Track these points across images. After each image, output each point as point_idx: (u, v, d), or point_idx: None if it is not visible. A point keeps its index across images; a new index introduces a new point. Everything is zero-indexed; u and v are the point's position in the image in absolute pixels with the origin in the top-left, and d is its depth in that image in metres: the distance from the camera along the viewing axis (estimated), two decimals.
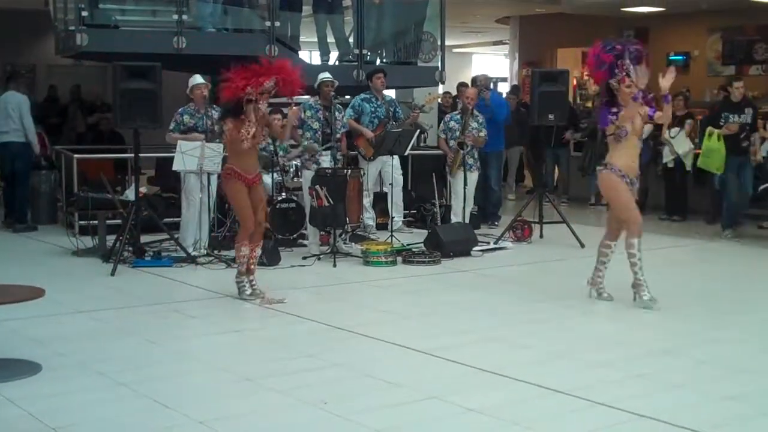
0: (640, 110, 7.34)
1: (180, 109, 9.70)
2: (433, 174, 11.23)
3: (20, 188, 11.79)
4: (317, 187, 9.42)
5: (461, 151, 10.59)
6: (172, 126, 9.62)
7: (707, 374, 5.79)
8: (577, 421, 4.90)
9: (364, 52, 12.70)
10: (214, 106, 9.93)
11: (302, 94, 7.95)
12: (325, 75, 10.20)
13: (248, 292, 7.66)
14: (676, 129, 12.76)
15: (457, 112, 11.07)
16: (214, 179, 9.66)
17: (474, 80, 12.84)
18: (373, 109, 11.00)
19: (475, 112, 10.89)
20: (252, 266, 7.72)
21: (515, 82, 19.75)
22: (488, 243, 10.46)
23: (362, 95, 11.15)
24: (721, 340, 6.62)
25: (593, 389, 5.34)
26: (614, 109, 7.37)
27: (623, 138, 7.33)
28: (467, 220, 10.66)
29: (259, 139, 7.79)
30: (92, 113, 16.86)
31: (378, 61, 13.14)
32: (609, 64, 7.36)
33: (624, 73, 7.28)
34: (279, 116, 10.90)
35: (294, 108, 8.65)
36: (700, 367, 5.95)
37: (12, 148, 11.63)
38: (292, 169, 10.69)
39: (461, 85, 14.25)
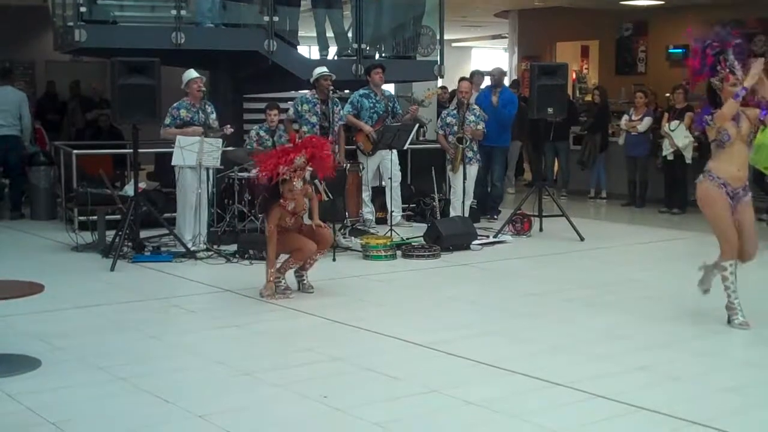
0: (747, 112, 6.55)
1: (175, 104, 9.67)
2: (432, 168, 11.23)
3: (15, 179, 12.52)
4: (316, 181, 9.40)
5: (460, 146, 10.59)
6: (167, 121, 9.59)
7: (706, 366, 5.79)
8: (576, 413, 4.90)
9: (363, 46, 12.70)
10: (207, 101, 9.92)
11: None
12: (322, 69, 10.20)
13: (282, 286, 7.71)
14: (676, 122, 12.76)
15: (453, 107, 11.05)
16: (212, 174, 9.66)
17: (472, 74, 12.84)
18: (371, 105, 10.98)
19: (472, 106, 10.88)
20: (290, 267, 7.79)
21: (515, 76, 19.73)
22: (488, 236, 10.46)
23: (361, 91, 11.13)
24: (721, 332, 6.62)
25: (593, 382, 5.35)
26: (714, 110, 6.61)
27: (726, 143, 6.49)
28: (467, 214, 10.66)
29: (301, 210, 7.73)
30: (91, 109, 16.85)
31: (377, 56, 13.13)
32: (710, 64, 6.65)
33: (727, 70, 6.55)
34: (276, 111, 10.94)
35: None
36: (700, 359, 5.96)
37: (6, 141, 12.18)
38: None
39: (462, 79, 14.25)
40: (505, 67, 22.16)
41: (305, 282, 7.86)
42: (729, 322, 6.69)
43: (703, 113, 6.70)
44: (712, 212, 6.67)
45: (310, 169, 7.63)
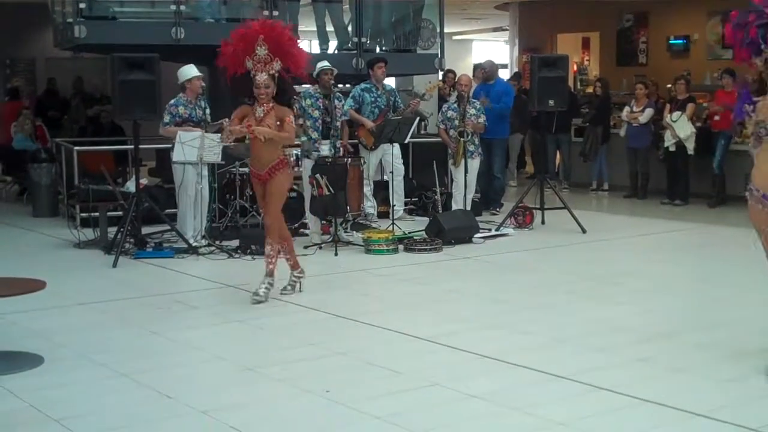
0: None
1: (172, 101, 9.62)
2: (434, 161, 11.22)
3: None
4: (318, 176, 9.41)
5: (462, 140, 10.57)
6: (167, 119, 9.54)
7: (708, 358, 5.79)
8: (578, 405, 4.91)
9: (363, 40, 12.68)
10: (203, 97, 9.91)
11: (302, 73, 7.39)
12: (324, 63, 10.18)
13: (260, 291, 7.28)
14: (678, 113, 12.73)
15: (453, 101, 11.04)
16: (213, 170, 9.66)
17: (479, 67, 12.84)
18: (373, 99, 10.96)
19: (472, 99, 10.87)
20: (270, 266, 7.28)
21: (516, 69, 19.70)
22: (490, 230, 10.45)
23: (362, 85, 11.11)
24: (722, 324, 6.62)
25: (594, 374, 5.35)
26: (757, 99, 5.42)
27: (764, 139, 5.31)
28: (469, 207, 10.65)
29: (264, 133, 7.04)
30: (92, 106, 16.87)
31: (377, 49, 13.12)
32: (753, 37, 5.38)
33: None
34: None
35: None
36: (701, 350, 5.95)
37: None
38: (292, 159, 10.67)
39: (448, 72, 14.24)
40: (506, 60, 22.19)
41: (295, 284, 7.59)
42: None
43: (743, 101, 5.48)
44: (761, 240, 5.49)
45: (278, 64, 7.03)
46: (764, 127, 5.19)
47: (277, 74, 7.07)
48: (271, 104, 7.11)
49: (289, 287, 7.54)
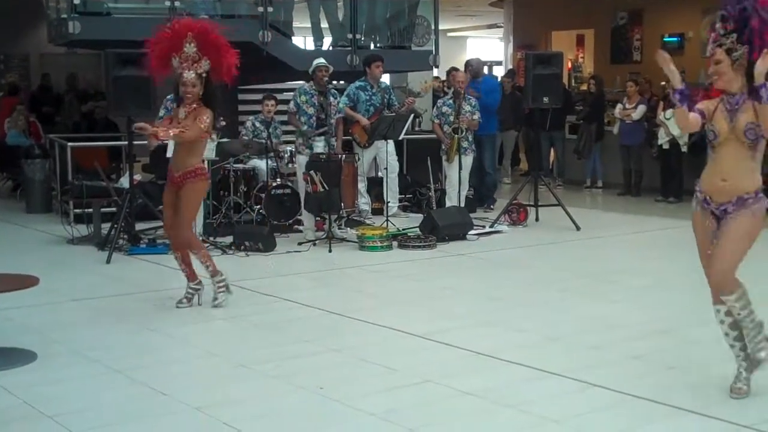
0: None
1: (169, 96, 9.61)
2: (428, 158, 11.22)
3: None
4: (312, 172, 9.41)
5: (456, 136, 10.57)
6: (162, 113, 9.54)
7: (702, 355, 5.80)
8: (572, 402, 4.91)
9: (358, 36, 12.68)
10: None
11: (231, 79, 7.09)
12: (320, 60, 10.16)
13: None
14: (671, 110, 12.74)
15: (449, 96, 11.05)
16: (207, 166, 9.64)
17: (467, 64, 12.83)
18: (368, 98, 10.93)
19: (467, 96, 10.87)
20: (187, 273, 7.04)
21: (510, 66, 19.71)
22: (484, 227, 10.46)
23: (357, 83, 11.08)
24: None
25: (589, 371, 5.35)
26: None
27: (713, 143, 4.92)
28: (463, 204, 10.65)
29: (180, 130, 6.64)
30: (86, 102, 16.84)
31: (372, 46, 13.11)
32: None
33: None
34: (272, 102, 10.92)
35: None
36: (696, 347, 5.96)
37: None
38: (286, 155, 10.67)
39: (453, 70, 14.24)
40: (501, 57, 22.21)
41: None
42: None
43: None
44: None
45: (207, 63, 6.73)
46: (712, 131, 4.86)
47: (205, 75, 6.76)
48: (194, 105, 6.72)
49: (185, 300, 7.05)
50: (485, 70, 14.60)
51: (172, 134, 6.66)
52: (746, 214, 4.76)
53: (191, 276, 7.09)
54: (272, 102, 10.91)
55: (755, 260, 5.11)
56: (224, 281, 7.06)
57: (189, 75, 6.67)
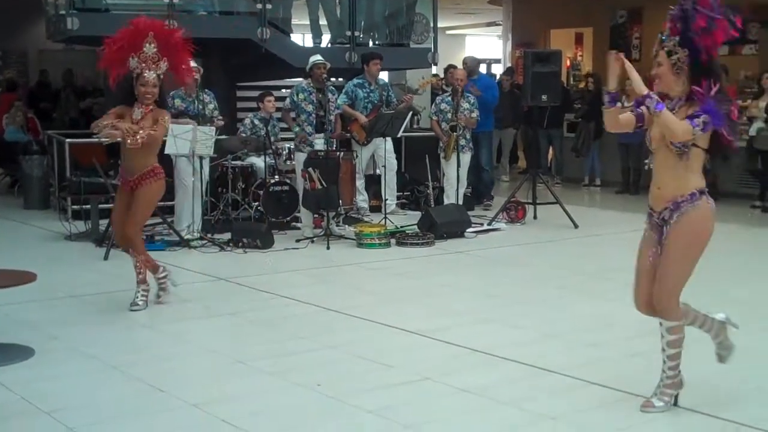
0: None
1: (171, 93, 9.64)
2: (427, 156, 11.22)
3: None
4: (310, 169, 9.40)
5: (454, 134, 10.57)
6: None
7: (700, 353, 5.79)
8: (570, 400, 4.91)
9: (357, 34, 12.67)
10: (207, 90, 9.92)
11: (186, 80, 7.18)
12: (317, 57, 10.16)
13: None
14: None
15: (447, 93, 11.04)
16: (206, 163, 9.65)
17: (463, 63, 12.84)
18: (365, 95, 10.93)
19: (466, 93, 10.87)
20: (141, 275, 6.91)
21: (509, 64, 19.70)
22: (482, 224, 10.46)
23: (355, 81, 11.08)
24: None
25: (586, 369, 5.35)
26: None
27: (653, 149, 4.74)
28: (461, 202, 10.65)
29: (137, 138, 6.50)
30: (84, 98, 16.81)
31: (370, 43, 13.10)
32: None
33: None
34: (272, 99, 10.91)
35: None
36: (693, 345, 5.94)
37: None
38: (284, 152, 10.67)
39: (450, 67, 14.24)
40: (500, 55, 22.19)
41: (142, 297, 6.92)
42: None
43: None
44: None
45: (165, 65, 6.67)
46: (648, 138, 4.70)
47: (161, 76, 6.70)
48: (151, 107, 6.65)
49: (160, 293, 7.03)
50: (483, 68, 14.58)
51: (146, 135, 6.56)
52: (683, 221, 4.61)
53: (154, 269, 7.02)
54: (272, 98, 10.91)
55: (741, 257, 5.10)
56: (147, 291, 6.94)
57: (151, 75, 6.59)
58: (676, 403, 4.77)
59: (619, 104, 4.68)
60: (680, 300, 4.76)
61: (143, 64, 6.57)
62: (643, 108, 4.61)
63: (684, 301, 4.78)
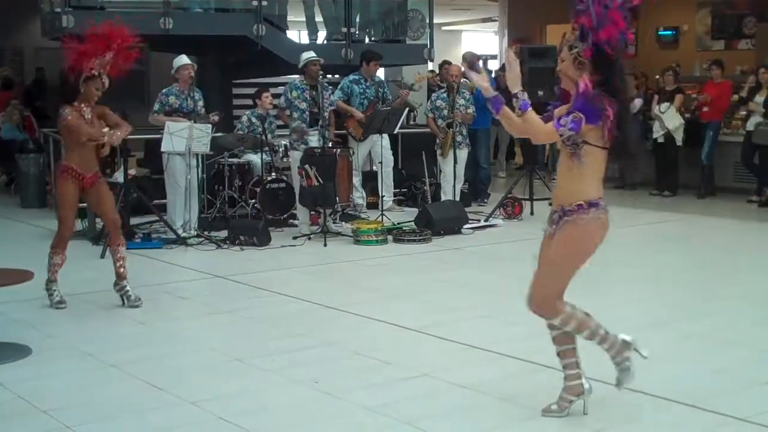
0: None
1: (165, 90, 9.64)
2: (423, 152, 11.21)
3: None
4: (307, 166, 9.40)
5: (450, 131, 10.57)
6: (156, 107, 9.56)
7: (695, 348, 5.81)
8: None
9: (353, 30, 12.66)
10: (196, 88, 9.88)
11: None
12: (310, 54, 10.14)
13: (56, 300, 6.87)
14: (666, 104, 12.76)
15: (443, 90, 11.03)
16: (201, 160, 9.64)
17: (463, 57, 12.83)
18: (362, 91, 10.94)
19: (461, 89, 10.87)
20: (122, 270, 6.90)
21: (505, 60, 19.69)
22: (479, 221, 10.47)
23: (351, 77, 11.08)
24: (710, 314, 6.64)
25: (585, 365, 5.34)
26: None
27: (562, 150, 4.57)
28: (458, 198, 10.66)
29: (99, 137, 6.75)
30: None
31: (366, 40, 13.09)
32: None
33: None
34: (268, 94, 10.90)
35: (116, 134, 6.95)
36: (690, 340, 5.97)
37: None
38: (281, 149, 10.66)
39: (444, 63, 14.22)
40: (495, 50, 22.18)
41: (129, 293, 6.88)
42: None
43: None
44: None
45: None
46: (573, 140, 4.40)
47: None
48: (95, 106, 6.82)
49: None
50: (480, 63, 14.55)
51: (122, 135, 6.90)
52: (566, 232, 4.46)
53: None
54: (269, 95, 10.90)
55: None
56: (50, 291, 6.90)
57: (106, 80, 6.72)
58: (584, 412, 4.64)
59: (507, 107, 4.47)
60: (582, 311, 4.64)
61: (101, 69, 6.66)
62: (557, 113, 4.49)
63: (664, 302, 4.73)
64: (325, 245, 9.15)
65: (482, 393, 4.94)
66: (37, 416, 4.64)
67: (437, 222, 9.72)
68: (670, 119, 12.68)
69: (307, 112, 10.00)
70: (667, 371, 5.30)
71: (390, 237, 9.44)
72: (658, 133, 12.81)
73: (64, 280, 7.63)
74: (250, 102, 11.58)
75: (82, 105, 6.69)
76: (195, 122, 9.39)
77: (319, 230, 9.49)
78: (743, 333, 6.16)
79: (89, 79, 6.62)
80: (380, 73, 12.88)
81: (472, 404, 4.81)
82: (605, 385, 5.01)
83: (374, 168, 11.12)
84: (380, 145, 10.62)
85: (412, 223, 9.89)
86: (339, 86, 11.06)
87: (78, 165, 6.77)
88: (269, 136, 10.69)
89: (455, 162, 10.51)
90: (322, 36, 13.18)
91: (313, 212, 9.83)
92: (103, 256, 8.59)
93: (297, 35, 15.44)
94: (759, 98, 12.09)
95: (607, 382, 5.04)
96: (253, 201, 10.25)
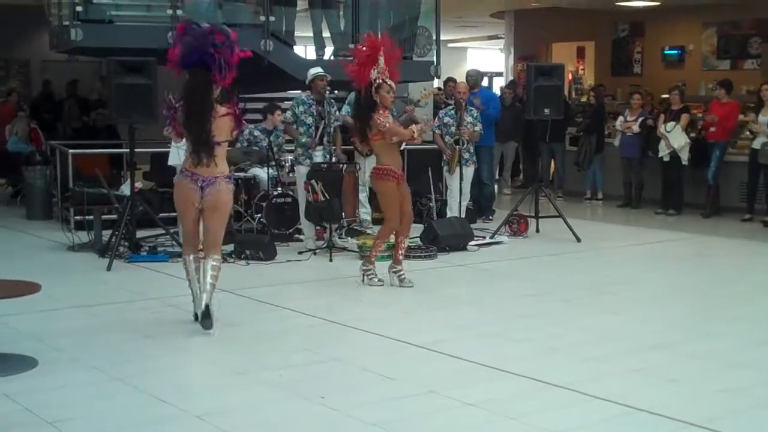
0: None
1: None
2: (429, 168, 11.22)
3: None
4: (313, 181, 9.41)
5: (457, 147, 10.58)
6: (288, 115, 9.64)
7: (703, 368, 5.80)
8: (573, 414, 4.90)
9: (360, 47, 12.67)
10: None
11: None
12: (317, 69, 10.16)
13: (376, 279, 8.03)
14: (672, 123, 12.77)
15: (451, 107, 11.05)
16: None
17: (466, 76, 12.86)
18: None
19: (469, 107, 10.88)
20: (400, 255, 8.05)
21: (511, 77, 19.73)
22: (484, 237, 10.46)
23: None
24: (716, 334, 6.63)
25: (590, 383, 5.35)
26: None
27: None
28: (463, 215, 10.66)
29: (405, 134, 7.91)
30: (87, 109, 16.83)
31: None
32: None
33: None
34: (278, 112, 10.92)
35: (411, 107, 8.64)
36: (696, 360, 5.96)
37: None
38: (287, 164, 10.67)
39: (449, 80, 14.25)
40: (501, 68, 22.23)
41: (403, 275, 8.03)
42: None
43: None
44: None
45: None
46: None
47: None
48: None
49: None
50: (485, 81, 14.59)
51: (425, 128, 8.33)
52: None
53: None
54: (279, 111, 10.92)
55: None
56: None
57: (392, 82, 7.78)
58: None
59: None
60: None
61: (383, 76, 7.79)
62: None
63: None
64: (330, 260, 9.15)
65: (489, 411, 4.93)
66: (42, 428, 4.64)
67: (443, 238, 9.72)
68: (676, 138, 12.69)
69: (313, 128, 10.01)
70: (673, 391, 5.29)
71: None
72: (663, 152, 12.81)
73: (70, 293, 7.67)
74: (256, 117, 11.59)
75: (385, 111, 7.59)
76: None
77: (324, 245, 9.49)
78: (750, 353, 6.15)
79: (379, 88, 7.46)
80: None
81: (479, 422, 4.80)
82: (613, 405, 5.01)
83: None
84: None
85: (418, 240, 9.88)
86: (346, 101, 11.08)
87: (395, 166, 7.86)
88: (276, 150, 10.70)
89: (461, 179, 10.52)
90: (329, 52, 13.21)
91: (318, 227, 9.83)
92: (109, 268, 8.60)
93: (304, 51, 15.48)
94: (762, 118, 12.07)
95: (614, 401, 5.04)
96: (259, 215, 10.25)
